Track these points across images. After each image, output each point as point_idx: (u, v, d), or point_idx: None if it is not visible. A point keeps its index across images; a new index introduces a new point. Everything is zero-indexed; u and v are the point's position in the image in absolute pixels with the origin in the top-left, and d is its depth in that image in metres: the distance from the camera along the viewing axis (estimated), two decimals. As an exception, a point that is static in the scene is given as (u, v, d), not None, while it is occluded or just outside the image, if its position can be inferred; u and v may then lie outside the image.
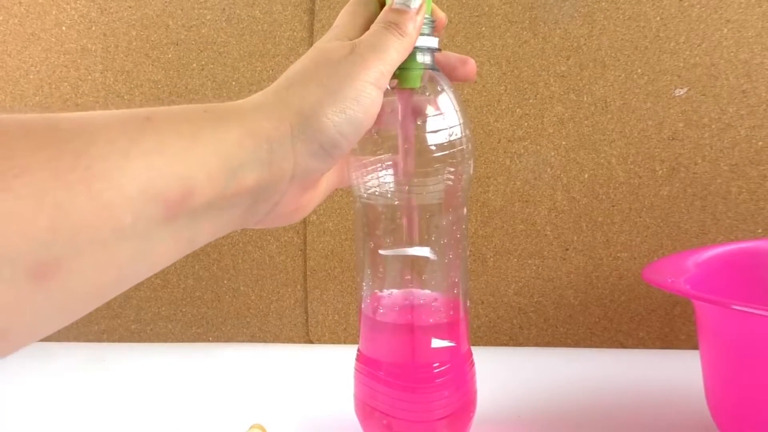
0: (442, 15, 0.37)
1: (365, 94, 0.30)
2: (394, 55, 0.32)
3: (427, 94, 0.37)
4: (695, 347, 0.59)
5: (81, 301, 0.24)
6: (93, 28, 0.62)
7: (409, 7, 0.33)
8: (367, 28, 0.34)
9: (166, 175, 0.25)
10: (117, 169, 0.23)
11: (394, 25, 0.33)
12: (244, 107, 0.29)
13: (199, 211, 0.26)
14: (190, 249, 0.28)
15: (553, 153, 0.59)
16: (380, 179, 0.37)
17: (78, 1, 0.62)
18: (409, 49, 0.34)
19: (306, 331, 0.64)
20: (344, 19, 0.35)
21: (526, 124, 0.59)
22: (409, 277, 0.38)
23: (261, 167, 0.28)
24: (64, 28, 0.63)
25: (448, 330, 0.38)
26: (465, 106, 0.59)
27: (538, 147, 0.59)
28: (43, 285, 0.22)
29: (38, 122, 0.23)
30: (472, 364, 0.40)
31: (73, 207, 0.22)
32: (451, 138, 0.36)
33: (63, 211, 0.22)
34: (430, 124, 0.36)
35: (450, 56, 0.39)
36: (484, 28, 0.59)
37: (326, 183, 0.37)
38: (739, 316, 0.36)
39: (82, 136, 0.24)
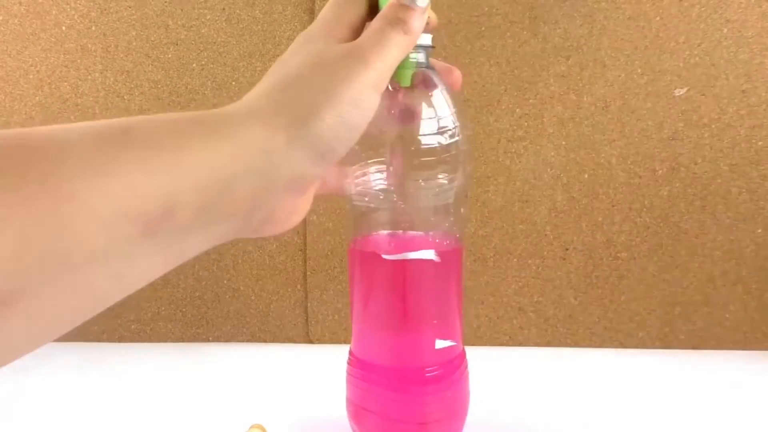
0: (433, 15, 0.37)
1: (364, 97, 0.29)
2: (396, 53, 0.31)
3: (420, 92, 0.36)
4: (695, 347, 0.60)
5: (51, 326, 0.23)
6: (93, 28, 0.62)
7: (416, 4, 0.32)
8: (354, 27, 0.32)
9: (144, 192, 0.23)
10: (88, 190, 0.22)
11: (401, 22, 0.31)
12: (235, 114, 0.28)
13: (185, 226, 0.25)
14: (180, 261, 0.26)
15: (553, 153, 0.59)
16: (374, 179, 0.37)
17: (78, 1, 0.62)
18: (410, 48, 0.33)
19: (306, 331, 0.64)
20: (329, 14, 0.33)
21: (526, 124, 0.59)
22: (403, 279, 0.38)
23: (256, 177, 0.27)
24: (64, 28, 0.63)
25: (442, 331, 0.38)
26: (464, 105, 0.59)
27: (538, 147, 0.59)
28: (5, 313, 0.21)
29: (5, 141, 0.22)
30: (465, 365, 0.40)
31: (39, 233, 0.21)
32: (445, 136, 0.36)
33: (28, 238, 0.21)
34: (423, 122, 0.36)
35: (435, 64, 0.38)
36: (484, 28, 0.59)
37: (318, 185, 0.36)
38: None
39: (52, 155, 0.22)
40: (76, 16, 0.62)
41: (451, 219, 0.39)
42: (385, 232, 0.38)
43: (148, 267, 0.25)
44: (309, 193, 0.34)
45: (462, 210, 0.39)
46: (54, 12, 0.63)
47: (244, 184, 0.26)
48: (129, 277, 0.25)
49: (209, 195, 0.25)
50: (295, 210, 0.32)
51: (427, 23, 0.36)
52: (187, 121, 0.26)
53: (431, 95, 0.37)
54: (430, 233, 0.38)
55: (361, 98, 0.29)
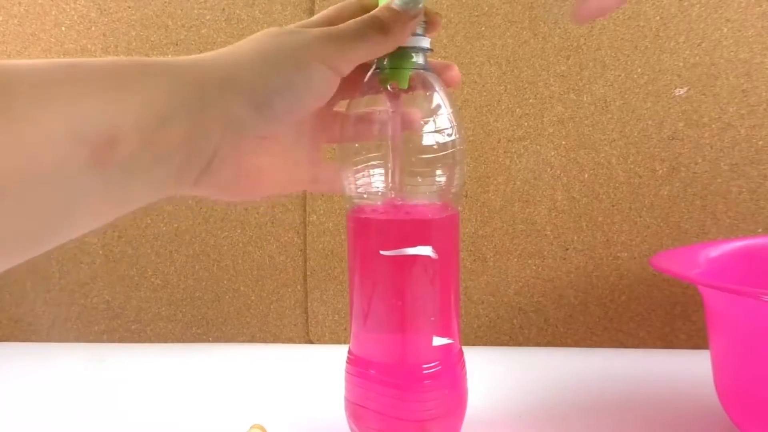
0: (436, 15, 0.37)
1: (314, 69, 0.30)
2: (367, 48, 0.32)
3: (418, 93, 0.37)
4: (695, 347, 0.60)
5: (5, 247, 0.24)
6: (93, 28, 0.62)
7: (403, 9, 0.33)
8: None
9: (91, 118, 0.25)
10: (40, 111, 0.23)
11: (379, 21, 0.32)
12: (176, 60, 0.29)
13: (128, 161, 0.26)
14: (125, 207, 0.28)
15: (553, 153, 0.59)
16: (371, 180, 0.37)
17: (78, 1, 0.62)
18: (387, 49, 0.33)
19: (306, 331, 0.64)
20: (330, 10, 0.35)
21: (526, 124, 0.59)
22: (401, 278, 0.38)
23: (189, 116, 0.28)
24: (64, 28, 0.63)
25: (440, 329, 0.38)
26: (463, 105, 0.59)
27: (538, 147, 0.59)
28: None
29: None
30: (463, 364, 0.40)
31: None
32: (442, 138, 0.36)
33: None
34: (421, 122, 0.36)
35: (433, 62, 0.39)
36: (484, 28, 0.59)
37: (284, 173, 0.36)
38: (748, 304, 0.36)
39: (2, 82, 0.23)
40: (76, 17, 0.63)
41: (450, 217, 0.39)
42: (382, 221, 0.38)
43: (95, 203, 0.26)
44: (259, 164, 0.34)
45: (459, 208, 0.39)
46: (54, 12, 0.63)
47: (179, 123, 0.27)
48: (78, 209, 0.26)
49: (148, 131, 0.26)
50: (242, 175, 0.33)
51: (427, 26, 0.36)
52: (130, 62, 0.28)
53: (429, 96, 0.37)
54: (427, 230, 0.38)
55: (311, 69, 0.30)
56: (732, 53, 0.56)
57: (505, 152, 0.60)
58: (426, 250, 0.37)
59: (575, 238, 0.59)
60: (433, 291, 0.38)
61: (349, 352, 0.40)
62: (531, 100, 0.59)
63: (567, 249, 0.60)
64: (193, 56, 0.30)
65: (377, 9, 0.33)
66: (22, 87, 0.24)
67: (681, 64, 0.57)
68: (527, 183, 0.59)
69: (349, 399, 0.40)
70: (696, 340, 0.59)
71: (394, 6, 0.33)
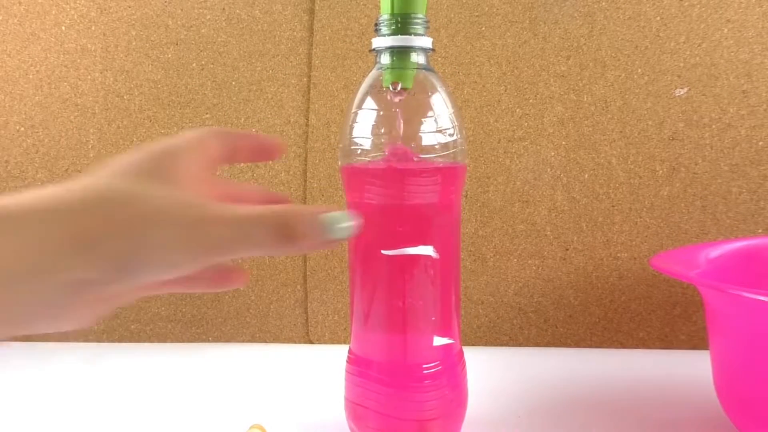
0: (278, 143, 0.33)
1: (165, 256, 0.25)
2: (244, 248, 0.25)
3: (420, 92, 0.37)
4: (695, 347, 0.60)
5: None
6: (93, 28, 0.62)
7: (330, 233, 0.26)
8: (197, 176, 0.28)
9: None
10: None
11: (289, 231, 0.25)
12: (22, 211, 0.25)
13: None
14: None
15: (553, 153, 0.59)
16: (373, 179, 0.37)
17: (78, 1, 0.62)
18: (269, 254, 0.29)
19: (306, 331, 0.63)
20: (165, 161, 0.27)
21: (526, 124, 0.59)
22: (402, 279, 0.38)
23: (39, 278, 0.24)
24: (63, 27, 0.63)
25: (440, 328, 0.38)
26: (463, 105, 0.59)
27: (538, 147, 0.59)
28: None
29: None
30: (463, 364, 0.40)
31: None
32: (444, 137, 0.36)
33: None
34: (423, 124, 0.36)
35: (258, 137, 0.35)
36: (484, 28, 0.59)
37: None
38: (748, 303, 0.36)
39: None
40: (76, 16, 0.62)
41: (449, 224, 0.39)
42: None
43: None
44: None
45: (460, 209, 0.39)
46: (54, 12, 0.63)
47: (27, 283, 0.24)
48: None
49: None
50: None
51: (428, 25, 0.36)
52: None
53: (431, 95, 0.37)
54: (428, 237, 0.38)
55: (162, 256, 0.25)
56: (732, 54, 0.56)
57: (505, 152, 0.60)
58: (427, 250, 0.37)
59: (575, 238, 0.59)
60: (434, 289, 0.38)
61: (350, 351, 0.40)
62: (531, 100, 0.59)
63: (567, 249, 0.60)
64: (44, 202, 0.25)
65: (291, 211, 0.26)
66: None
67: (681, 64, 0.57)
68: (527, 183, 0.59)
69: (349, 399, 0.40)
70: (696, 341, 0.59)
71: (319, 223, 0.26)
